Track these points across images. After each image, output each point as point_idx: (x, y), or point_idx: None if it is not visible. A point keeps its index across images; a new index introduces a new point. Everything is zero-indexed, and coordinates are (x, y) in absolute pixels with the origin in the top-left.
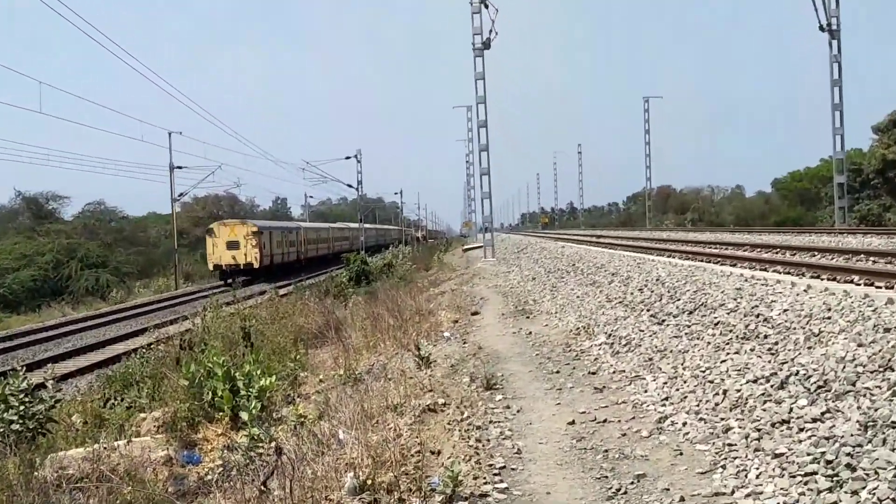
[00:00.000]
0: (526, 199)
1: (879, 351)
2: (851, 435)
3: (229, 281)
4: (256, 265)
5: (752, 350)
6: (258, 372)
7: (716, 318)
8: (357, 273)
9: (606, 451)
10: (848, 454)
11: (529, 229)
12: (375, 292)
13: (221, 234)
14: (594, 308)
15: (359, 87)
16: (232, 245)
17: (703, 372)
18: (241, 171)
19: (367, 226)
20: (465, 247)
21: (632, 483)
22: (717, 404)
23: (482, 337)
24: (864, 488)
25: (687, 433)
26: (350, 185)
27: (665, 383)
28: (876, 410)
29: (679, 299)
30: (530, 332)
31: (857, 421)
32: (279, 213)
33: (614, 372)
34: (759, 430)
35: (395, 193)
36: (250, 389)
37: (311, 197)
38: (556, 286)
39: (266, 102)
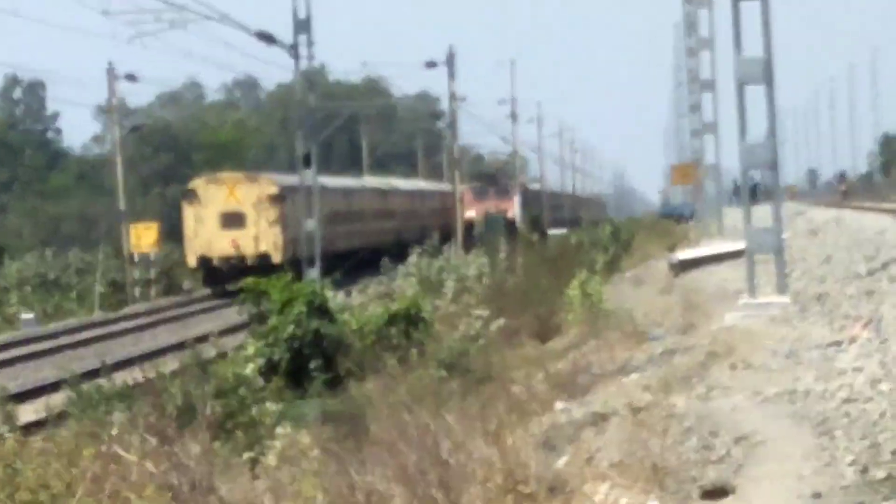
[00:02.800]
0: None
1: None
2: None
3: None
4: (277, 258)
5: None
6: None
7: None
8: (295, 351)
9: None
10: None
11: None
12: (357, 413)
13: (211, 198)
14: None
15: None
16: (231, 220)
17: None
18: None
19: (414, 185)
20: (678, 255)
21: None
22: None
23: None
24: None
25: None
26: (267, 38)
27: None
28: None
29: None
30: None
31: None
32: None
33: None
34: None
35: (427, 66)
36: None
37: (130, 78)
38: None
39: None
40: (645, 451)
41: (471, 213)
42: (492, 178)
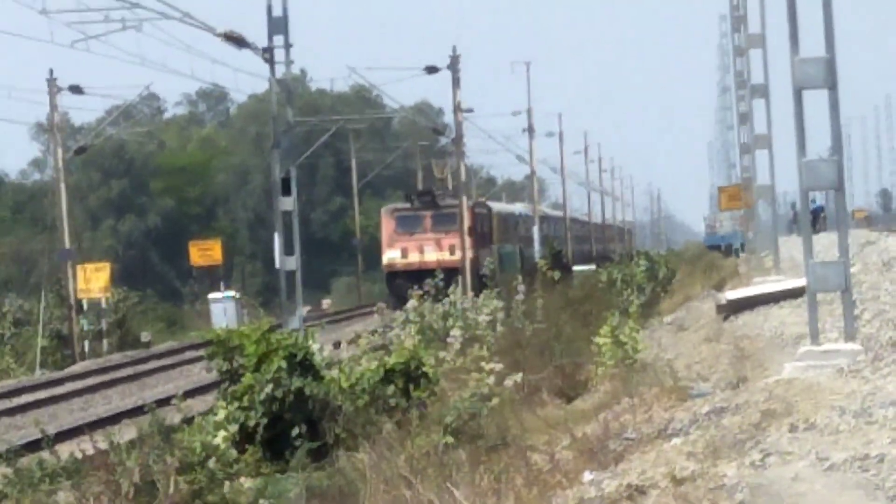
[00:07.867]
0: None
1: None
2: None
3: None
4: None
5: None
6: None
7: None
8: (274, 415)
9: None
10: None
11: None
12: (348, 488)
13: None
14: None
15: None
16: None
17: None
18: None
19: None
20: (727, 295)
21: None
22: None
23: None
24: None
25: None
26: (236, 41)
27: None
28: None
29: None
30: None
31: None
32: None
33: None
34: None
35: (428, 71)
36: None
37: (75, 90)
38: None
39: None
40: None
41: (393, 255)
42: (427, 196)
